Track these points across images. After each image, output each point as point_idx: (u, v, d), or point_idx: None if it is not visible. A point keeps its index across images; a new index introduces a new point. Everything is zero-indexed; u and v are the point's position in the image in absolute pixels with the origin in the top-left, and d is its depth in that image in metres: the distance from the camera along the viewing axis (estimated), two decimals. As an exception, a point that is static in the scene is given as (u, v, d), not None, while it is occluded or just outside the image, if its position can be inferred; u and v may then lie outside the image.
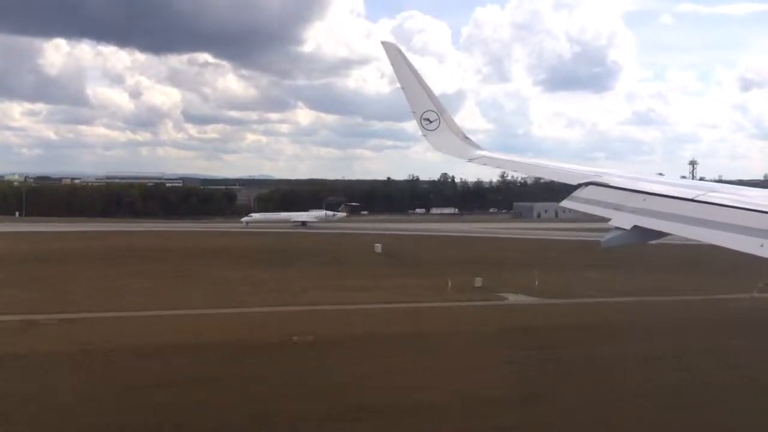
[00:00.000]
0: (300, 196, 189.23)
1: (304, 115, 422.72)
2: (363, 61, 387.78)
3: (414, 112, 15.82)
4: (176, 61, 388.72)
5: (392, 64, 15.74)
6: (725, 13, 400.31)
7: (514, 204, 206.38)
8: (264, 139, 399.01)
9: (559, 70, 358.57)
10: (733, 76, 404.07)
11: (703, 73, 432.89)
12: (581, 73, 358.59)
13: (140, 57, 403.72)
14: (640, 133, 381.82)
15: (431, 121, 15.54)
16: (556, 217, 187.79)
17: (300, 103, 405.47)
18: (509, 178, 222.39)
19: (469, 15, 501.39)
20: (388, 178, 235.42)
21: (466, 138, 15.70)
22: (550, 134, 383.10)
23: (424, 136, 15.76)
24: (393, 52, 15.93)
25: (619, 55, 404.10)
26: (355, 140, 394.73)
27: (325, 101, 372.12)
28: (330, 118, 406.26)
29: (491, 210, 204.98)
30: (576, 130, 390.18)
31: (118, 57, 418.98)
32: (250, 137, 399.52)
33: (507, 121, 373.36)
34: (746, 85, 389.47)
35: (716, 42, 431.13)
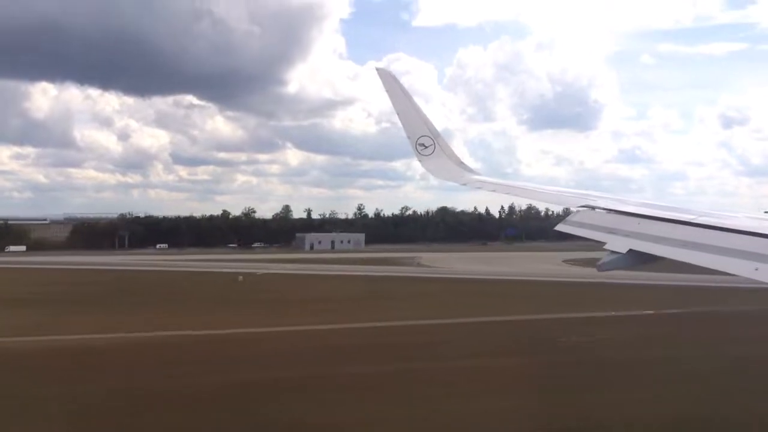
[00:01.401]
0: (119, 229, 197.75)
1: (293, 156, 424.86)
2: (349, 102, 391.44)
3: (409, 138, 15.67)
4: (162, 103, 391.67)
5: (387, 90, 15.66)
6: (705, 53, 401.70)
7: (297, 234, 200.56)
8: (254, 180, 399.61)
9: (543, 109, 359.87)
10: (715, 114, 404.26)
11: (686, 111, 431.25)
12: (565, 113, 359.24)
13: (127, 100, 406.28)
14: (628, 170, 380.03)
15: (426, 147, 15.40)
16: (332, 249, 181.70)
17: (289, 144, 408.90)
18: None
19: (453, 56, 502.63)
20: (227, 214, 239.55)
21: (461, 163, 15.54)
22: (539, 172, 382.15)
23: (420, 161, 15.60)
24: (387, 78, 15.86)
25: (601, 94, 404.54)
26: (345, 180, 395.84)
27: (313, 141, 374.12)
28: (320, 159, 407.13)
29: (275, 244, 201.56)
30: (564, 168, 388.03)
31: (105, 100, 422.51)
32: (241, 178, 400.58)
33: (495, 159, 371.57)
34: (728, 123, 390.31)
35: (697, 81, 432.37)
